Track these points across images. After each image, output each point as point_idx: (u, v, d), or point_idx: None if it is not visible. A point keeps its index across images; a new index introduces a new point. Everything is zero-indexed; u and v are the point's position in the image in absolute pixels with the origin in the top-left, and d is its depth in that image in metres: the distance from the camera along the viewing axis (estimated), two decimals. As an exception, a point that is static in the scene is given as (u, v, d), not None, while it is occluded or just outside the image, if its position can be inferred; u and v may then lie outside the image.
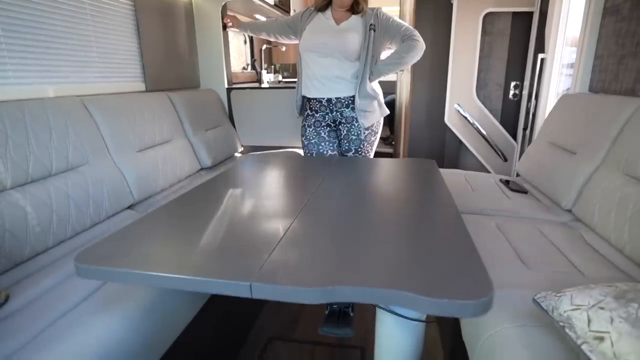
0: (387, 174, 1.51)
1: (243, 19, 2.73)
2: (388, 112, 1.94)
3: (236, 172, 1.50)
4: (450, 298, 0.62)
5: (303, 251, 0.82)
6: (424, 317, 0.83)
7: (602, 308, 0.67)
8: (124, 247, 0.84)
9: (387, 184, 1.40)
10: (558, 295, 0.77)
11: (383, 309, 0.82)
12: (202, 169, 2.27)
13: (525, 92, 2.68)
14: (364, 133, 1.87)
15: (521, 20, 2.60)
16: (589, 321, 0.67)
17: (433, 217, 1.01)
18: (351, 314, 1.04)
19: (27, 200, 1.21)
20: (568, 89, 2.12)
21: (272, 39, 2.11)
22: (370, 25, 1.74)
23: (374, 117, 1.87)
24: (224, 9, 2.50)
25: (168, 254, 0.83)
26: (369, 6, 1.80)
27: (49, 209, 1.27)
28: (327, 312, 1.02)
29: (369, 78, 1.78)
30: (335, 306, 0.99)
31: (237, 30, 2.31)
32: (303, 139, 1.96)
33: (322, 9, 1.82)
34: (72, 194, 1.36)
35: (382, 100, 1.91)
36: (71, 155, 1.42)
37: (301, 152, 2.33)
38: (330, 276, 0.70)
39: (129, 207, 1.66)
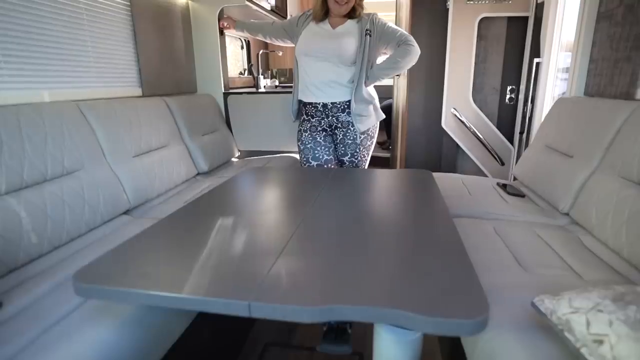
0: (383, 186, 1.50)
1: (240, 24, 2.73)
2: (384, 116, 1.94)
3: (232, 186, 1.50)
4: (447, 317, 0.63)
5: (300, 270, 0.82)
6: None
7: (600, 311, 0.67)
8: (121, 265, 0.85)
9: (383, 198, 1.40)
10: (556, 298, 0.76)
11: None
12: (198, 174, 2.26)
13: (521, 96, 2.69)
14: (360, 137, 1.87)
15: (516, 25, 2.62)
16: (588, 324, 0.67)
17: (430, 233, 1.01)
18: (349, 331, 1.03)
19: (22, 205, 1.20)
20: (564, 93, 2.13)
21: (267, 41, 2.12)
22: (366, 30, 1.75)
23: (370, 121, 1.88)
24: (221, 14, 2.51)
25: (166, 272, 0.83)
26: (365, 12, 1.82)
27: (44, 214, 1.26)
28: (325, 328, 1.02)
29: (365, 82, 1.79)
30: (333, 323, 0.98)
31: (234, 30, 2.32)
32: (299, 143, 1.96)
33: (321, 19, 1.82)
34: (67, 199, 1.35)
35: (378, 105, 1.92)
36: (67, 160, 1.41)
37: (297, 156, 2.33)
38: (329, 295, 0.71)
39: (125, 213, 1.65)
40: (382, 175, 1.60)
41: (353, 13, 1.78)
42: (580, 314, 0.69)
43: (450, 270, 0.79)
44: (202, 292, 0.73)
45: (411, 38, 1.77)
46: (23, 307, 0.99)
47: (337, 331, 0.95)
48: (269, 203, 1.32)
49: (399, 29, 1.81)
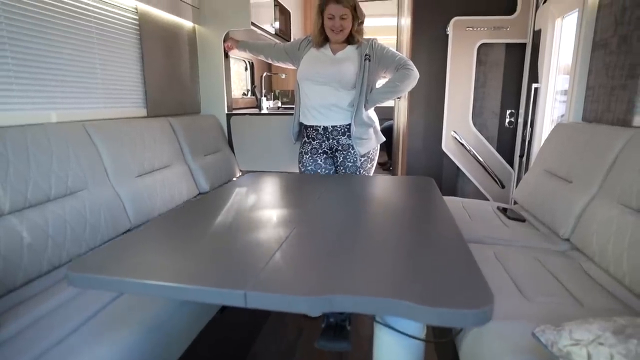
0: (385, 189, 1.52)
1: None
2: (384, 139, 1.97)
3: (234, 186, 1.50)
4: (449, 307, 0.61)
5: (300, 262, 0.82)
6: (422, 336, 0.81)
7: (601, 344, 0.66)
8: (118, 256, 0.83)
9: (385, 198, 1.40)
10: (557, 329, 0.76)
11: (381, 324, 0.81)
12: (200, 193, 2.27)
13: (520, 120, 2.72)
14: (360, 160, 1.89)
15: (515, 51, 2.68)
16: (589, 357, 0.66)
17: (431, 229, 1.01)
18: (348, 328, 1.02)
19: (24, 225, 1.20)
20: (562, 116, 2.16)
21: (268, 61, 2.17)
22: (366, 55, 1.79)
23: (370, 144, 1.90)
24: (226, 37, 2.57)
25: (163, 263, 0.82)
26: (365, 36, 1.87)
27: (45, 235, 1.26)
28: (323, 325, 1.01)
29: (365, 106, 1.82)
30: (331, 320, 0.97)
31: (236, 50, 2.37)
32: (300, 165, 1.98)
33: (321, 45, 1.87)
34: (69, 219, 1.36)
35: (378, 128, 1.95)
36: (71, 180, 1.42)
37: (299, 177, 2.35)
38: (328, 286, 0.69)
39: (125, 232, 1.65)
40: (383, 180, 1.62)
41: (352, 40, 1.83)
42: (581, 346, 0.69)
43: (453, 264, 0.79)
44: (198, 282, 0.71)
45: (410, 62, 1.81)
46: (21, 329, 0.98)
47: (336, 328, 0.94)
48: (269, 202, 1.32)
49: (397, 53, 1.86)
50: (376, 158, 1.99)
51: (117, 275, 0.74)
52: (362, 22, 1.82)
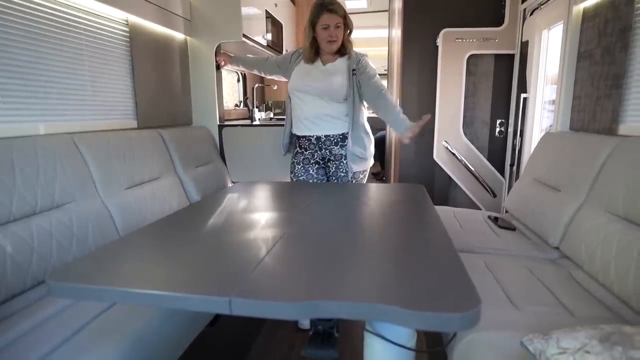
0: (376, 196, 1.53)
1: (236, 59, 2.81)
2: (373, 162, 1.99)
3: (224, 193, 1.50)
4: (436, 311, 0.61)
5: (287, 268, 0.81)
6: (413, 344, 0.81)
7: (587, 352, 0.66)
8: (100, 264, 0.82)
9: (375, 205, 1.41)
10: (545, 338, 0.76)
11: (371, 332, 0.80)
12: (190, 205, 2.26)
13: (510, 130, 2.75)
14: (352, 171, 1.89)
15: (503, 62, 2.72)
16: (576, 366, 0.66)
17: (420, 235, 1.02)
18: (335, 335, 1.01)
19: (8, 239, 1.18)
20: (551, 126, 2.19)
21: (262, 75, 2.18)
22: (353, 70, 1.81)
23: (365, 164, 1.92)
24: (218, 49, 2.59)
25: (146, 271, 0.81)
26: (357, 49, 1.88)
27: (30, 249, 1.24)
28: (310, 333, 1.00)
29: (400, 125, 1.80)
30: (319, 327, 0.96)
31: (230, 65, 2.39)
32: (292, 175, 1.98)
33: (312, 59, 1.87)
34: (55, 233, 1.34)
35: (373, 151, 1.96)
36: (57, 193, 1.40)
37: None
38: (315, 292, 0.69)
39: (114, 245, 1.63)
40: (374, 187, 1.63)
41: (343, 49, 1.85)
42: (568, 354, 0.68)
43: (440, 268, 0.79)
44: (182, 289, 0.70)
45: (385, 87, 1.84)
46: (4, 345, 0.96)
47: (324, 335, 0.93)
48: (259, 209, 1.32)
49: (376, 73, 1.86)
50: (368, 169, 1.99)
51: (100, 284, 0.72)
52: (351, 32, 1.84)
